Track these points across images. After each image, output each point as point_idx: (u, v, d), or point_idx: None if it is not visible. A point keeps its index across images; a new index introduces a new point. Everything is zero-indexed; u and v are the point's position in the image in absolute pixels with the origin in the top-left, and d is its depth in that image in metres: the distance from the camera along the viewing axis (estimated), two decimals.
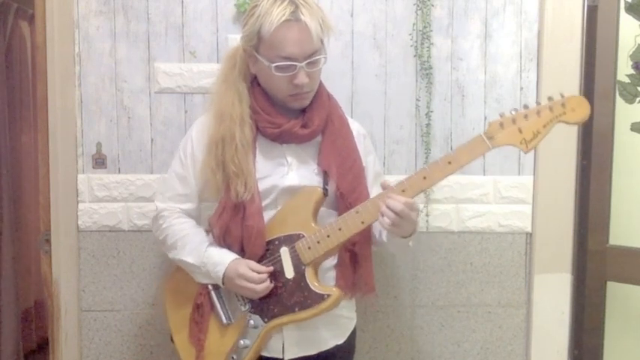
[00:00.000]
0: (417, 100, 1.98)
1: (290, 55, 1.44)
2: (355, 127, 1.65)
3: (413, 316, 2.04)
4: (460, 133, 1.99)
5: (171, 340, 1.65)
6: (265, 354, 1.55)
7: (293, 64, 1.45)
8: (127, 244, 2.00)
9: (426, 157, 1.98)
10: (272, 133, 1.53)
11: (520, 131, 1.40)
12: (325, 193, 1.53)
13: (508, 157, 1.99)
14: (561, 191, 1.97)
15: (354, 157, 1.58)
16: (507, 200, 2.00)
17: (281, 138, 1.54)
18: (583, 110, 1.40)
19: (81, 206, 1.99)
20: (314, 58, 1.46)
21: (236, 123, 1.50)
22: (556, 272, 2.00)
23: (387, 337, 2.05)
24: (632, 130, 1.92)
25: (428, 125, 1.97)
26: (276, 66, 1.45)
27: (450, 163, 1.43)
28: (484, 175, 1.99)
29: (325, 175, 1.54)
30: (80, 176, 1.99)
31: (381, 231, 1.57)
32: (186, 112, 1.98)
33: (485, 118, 1.99)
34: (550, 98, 1.41)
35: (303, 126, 1.53)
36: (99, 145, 1.99)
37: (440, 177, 1.43)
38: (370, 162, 1.66)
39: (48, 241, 1.99)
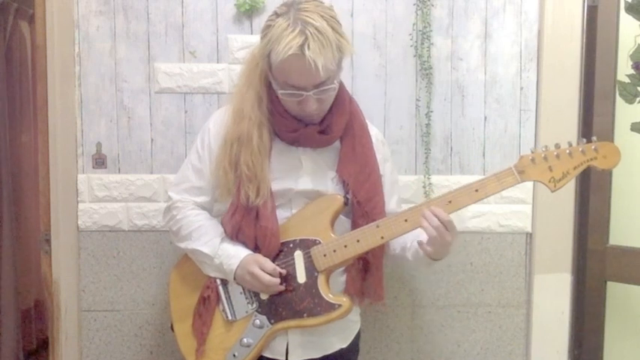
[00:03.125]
0: (417, 100, 1.98)
1: (296, 84, 1.42)
2: (374, 132, 1.63)
3: (413, 316, 2.04)
4: (460, 133, 1.99)
5: (171, 328, 1.64)
6: (269, 355, 1.55)
7: (300, 93, 1.42)
8: (127, 244, 2.00)
9: (426, 157, 1.98)
10: (288, 136, 1.52)
11: (550, 169, 1.41)
12: (346, 202, 1.52)
13: (507, 156, 1.99)
14: (561, 191, 1.95)
15: (372, 165, 1.56)
16: (507, 200, 2.00)
17: (297, 142, 1.53)
18: (614, 159, 1.41)
19: (81, 206, 1.99)
20: (323, 88, 1.43)
21: (254, 125, 1.49)
22: (556, 272, 2.00)
23: (387, 337, 2.05)
24: (632, 130, 1.92)
25: (428, 125, 1.97)
26: (282, 92, 1.44)
27: (476, 190, 1.43)
28: (484, 174, 1.99)
29: (345, 184, 1.53)
30: (80, 176, 1.99)
31: (404, 247, 1.56)
32: (186, 112, 1.98)
33: (485, 118, 1.99)
34: (582, 141, 1.41)
35: (322, 132, 1.51)
36: (99, 145, 1.99)
37: (466, 203, 1.43)
38: (387, 170, 1.65)
39: (48, 241, 1.99)
